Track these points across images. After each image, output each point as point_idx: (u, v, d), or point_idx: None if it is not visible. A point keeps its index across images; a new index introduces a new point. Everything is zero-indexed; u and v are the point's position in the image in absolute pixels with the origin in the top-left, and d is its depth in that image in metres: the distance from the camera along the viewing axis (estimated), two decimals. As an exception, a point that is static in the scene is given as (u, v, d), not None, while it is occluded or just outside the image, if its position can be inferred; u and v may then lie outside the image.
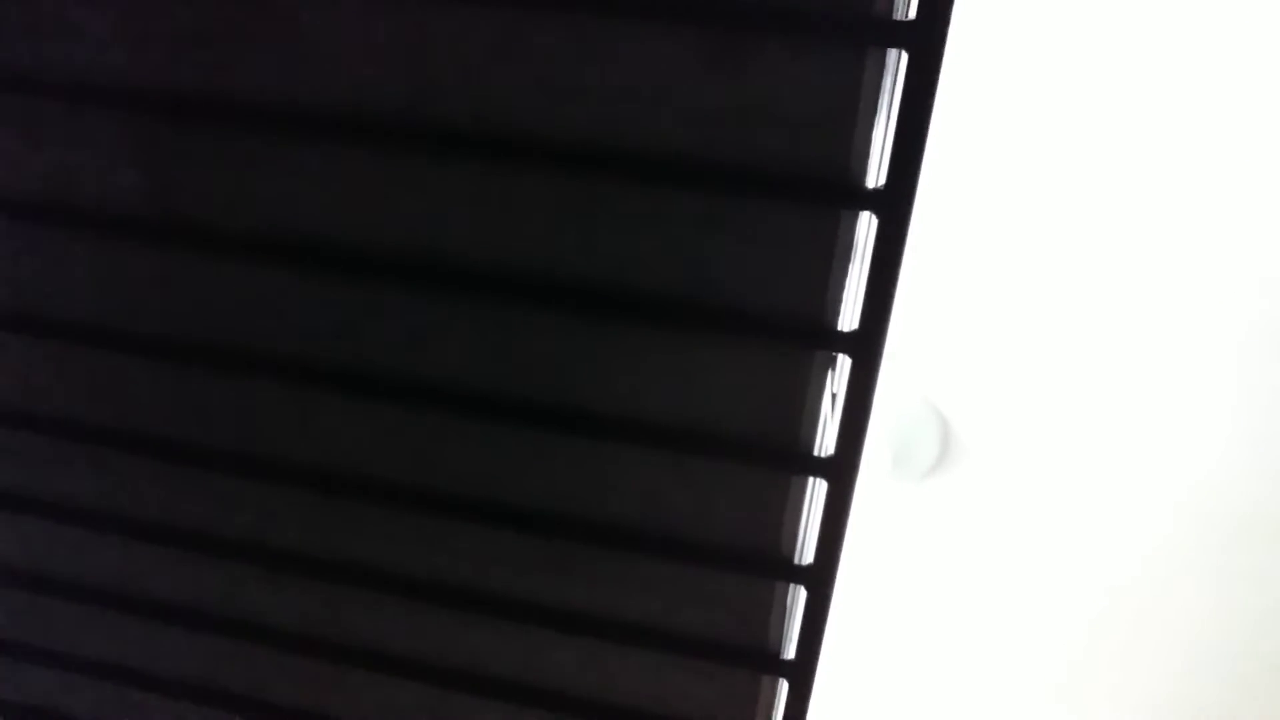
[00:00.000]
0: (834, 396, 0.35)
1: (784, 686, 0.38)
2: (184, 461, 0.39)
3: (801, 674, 0.37)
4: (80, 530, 0.42)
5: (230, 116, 0.32)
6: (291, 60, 0.31)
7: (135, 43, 0.32)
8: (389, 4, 0.30)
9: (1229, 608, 0.93)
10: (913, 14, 0.27)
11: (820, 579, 0.35)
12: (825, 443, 0.34)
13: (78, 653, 0.45)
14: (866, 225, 0.31)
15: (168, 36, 0.32)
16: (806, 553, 0.36)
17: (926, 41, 0.27)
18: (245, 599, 0.42)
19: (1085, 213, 0.82)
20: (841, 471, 0.33)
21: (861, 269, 0.31)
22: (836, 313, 0.32)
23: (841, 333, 0.31)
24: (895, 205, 0.29)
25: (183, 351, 0.37)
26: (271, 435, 0.38)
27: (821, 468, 0.33)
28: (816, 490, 0.35)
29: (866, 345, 0.31)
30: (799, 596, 0.36)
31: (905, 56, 0.27)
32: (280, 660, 0.43)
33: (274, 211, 0.34)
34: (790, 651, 0.37)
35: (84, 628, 0.45)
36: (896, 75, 0.29)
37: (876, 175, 0.30)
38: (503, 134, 0.31)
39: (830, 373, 0.33)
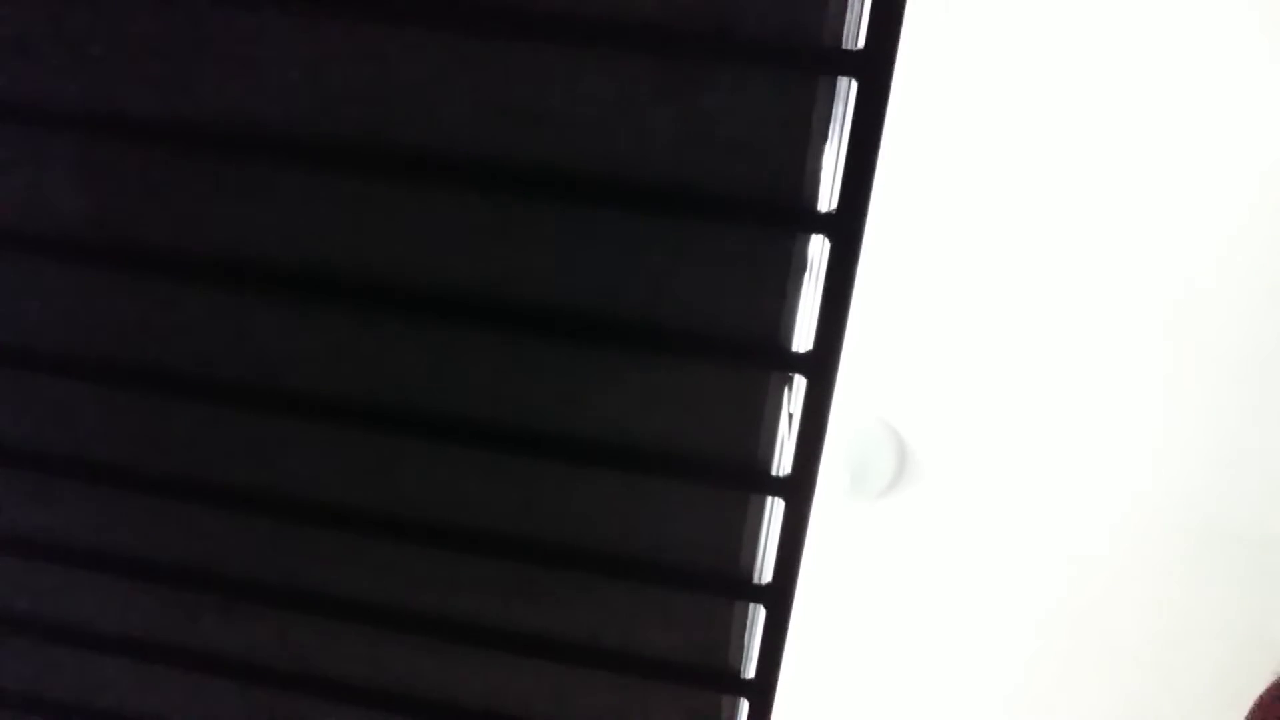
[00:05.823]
0: (790, 416, 0.35)
1: (744, 706, 0.38)
2: (133, 489, 0.38)
3: (761, 693, 0.37)
4: (20, 560, 0.41)
5: (184, 140, 0.32)
6: (246, 84, 0.31)
7: (88, 66, 0.32)
8: (345, 29, 0.30)
9: (1181, 620, 0.95)
10: (861, 44, 0.28)
11: (779, 598, 0.35)
12: (782, 462, 0.34)
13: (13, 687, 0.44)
14: (820, 248, 0.32)
15: (122, 59, 0.32)
16: (765, 572, 0.36)
17: (874, 70, 0.28)
18: (198, 628, 0.41)
19: (1036, 235, 0.84)
20: (798, 490, 0.34)
21: (816, 291, 0.32)
22: (791, 334, 0.32)
23: (796, 353, 0.32)
24: (847, 228, 0.30)
25: (132, 377, 0.36)
26: (230, 462, 0.37)
27: (779, 487, 0.34)
28: (774, 510, 0.35)
29: (821, 365, 0.32)
30: (758, 615, 0.37)
31: (854, 84, 0.28)
32: (241, 690, 0.42)
33: (227, 235, 0.33)
34: (750, 670, 0.37)
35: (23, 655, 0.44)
36: (847, 101, 0.29)
37: (829, 199, 0.31)
38: (457, 159, 0.31)
39: (786, 393, 0.34)
